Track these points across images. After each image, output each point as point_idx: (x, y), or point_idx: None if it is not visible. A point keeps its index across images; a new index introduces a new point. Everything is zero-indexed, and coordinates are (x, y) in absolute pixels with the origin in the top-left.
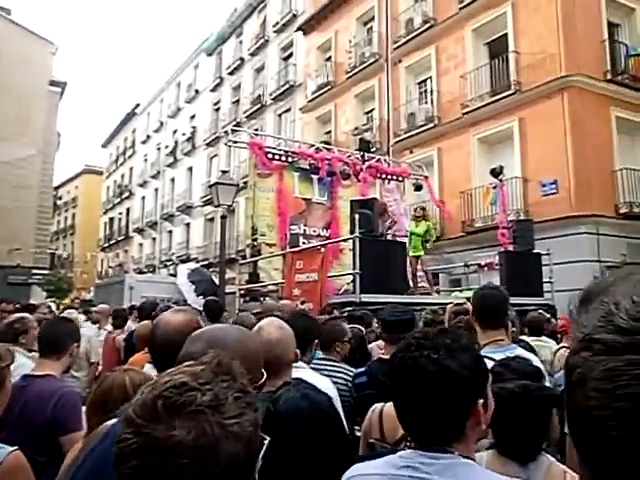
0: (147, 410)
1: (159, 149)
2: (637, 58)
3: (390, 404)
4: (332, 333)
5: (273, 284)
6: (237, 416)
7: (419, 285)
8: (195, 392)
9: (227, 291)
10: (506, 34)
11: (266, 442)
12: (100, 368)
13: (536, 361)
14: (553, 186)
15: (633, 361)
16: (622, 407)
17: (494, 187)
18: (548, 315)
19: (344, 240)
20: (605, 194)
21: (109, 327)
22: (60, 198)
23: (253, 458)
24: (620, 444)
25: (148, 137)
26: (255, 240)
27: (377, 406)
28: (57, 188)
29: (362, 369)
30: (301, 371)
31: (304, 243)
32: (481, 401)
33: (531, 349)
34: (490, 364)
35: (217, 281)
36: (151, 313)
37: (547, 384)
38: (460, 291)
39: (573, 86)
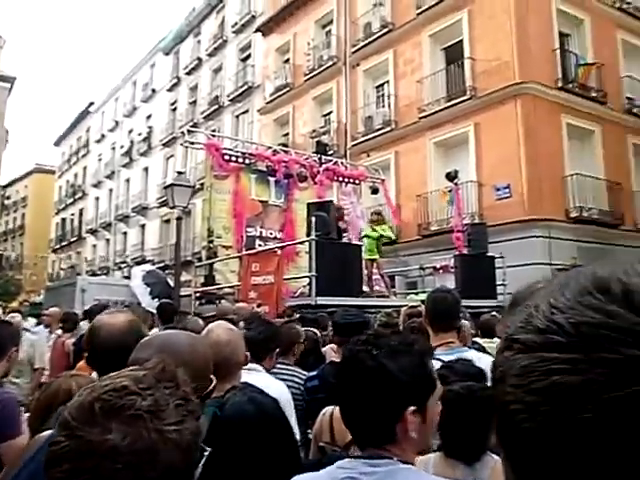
0: (83, 412)
1: (114, 149)
2: (586, 67)
3: None
4: (289, 337)
5: (229, 286)
6: (177, 423)
7: (375, 288)
8: (135, 396)
9: (183, 293)
10: (462, 40)
11: (206, 453)
12: (47, 373)
13: (488, 364)
14: (507, 190)
15: (545, 358)
16: (533, 401)
17: (449, 191)
18: (500, 317)
19: (301, 242)
20: (556, 198)
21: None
22: (8, 198)
23: (191, 467)
24: (531, 436)
25: (103, 136)
26: (211, 242)
27: (327, 409)
28: (5, 187)
29: (314, 372)
30: (255, 374)
31: (260, 245)
32: (412, 408)
33: (484, 350)
34: (436, 364)
35: (173, 283)
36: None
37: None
38: (416, 294)
39: (526, 93)
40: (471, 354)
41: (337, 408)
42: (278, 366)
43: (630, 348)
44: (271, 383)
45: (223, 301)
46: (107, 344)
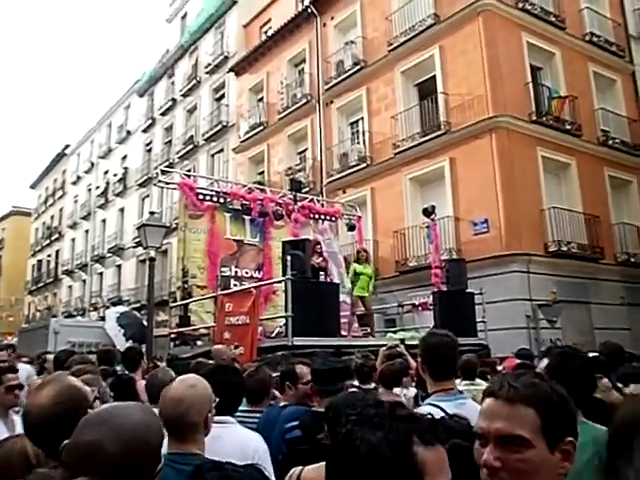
0: None
1: (90, 190)
2: (559, 100)
3: (309, 468)
4: (263, 382)
5: (205, 327)
6: None
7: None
8: None
9: (159, 334)
10: (434, 76)
11: None
12: None
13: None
14: (484, 225)
15: None
16: None
17: (427, 227)
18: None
19: (277, 282)
20: (535, 232)
21: None
22: None
23: None
24: None
25: (79, 178)
26: (185, 282)
27: (295, 470)
28: None
29: (294, 422)
30: (228, 426)
31: (235, 285)
32: None
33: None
34: (437, 413)
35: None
36: (65, 363)
37: None
38: (394, 332)
39: (500, 127)
40: (470, 404)
41: (305, 469)
42: (249, 415)
43: None
44: (247, 436)
45: (199, 342)
46: (38, 427)
